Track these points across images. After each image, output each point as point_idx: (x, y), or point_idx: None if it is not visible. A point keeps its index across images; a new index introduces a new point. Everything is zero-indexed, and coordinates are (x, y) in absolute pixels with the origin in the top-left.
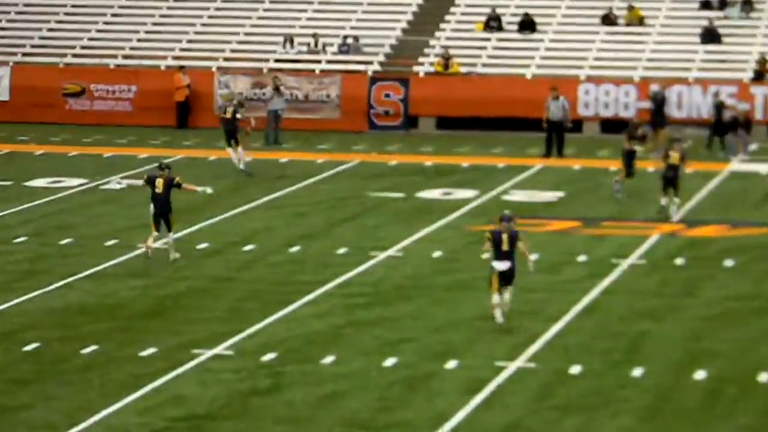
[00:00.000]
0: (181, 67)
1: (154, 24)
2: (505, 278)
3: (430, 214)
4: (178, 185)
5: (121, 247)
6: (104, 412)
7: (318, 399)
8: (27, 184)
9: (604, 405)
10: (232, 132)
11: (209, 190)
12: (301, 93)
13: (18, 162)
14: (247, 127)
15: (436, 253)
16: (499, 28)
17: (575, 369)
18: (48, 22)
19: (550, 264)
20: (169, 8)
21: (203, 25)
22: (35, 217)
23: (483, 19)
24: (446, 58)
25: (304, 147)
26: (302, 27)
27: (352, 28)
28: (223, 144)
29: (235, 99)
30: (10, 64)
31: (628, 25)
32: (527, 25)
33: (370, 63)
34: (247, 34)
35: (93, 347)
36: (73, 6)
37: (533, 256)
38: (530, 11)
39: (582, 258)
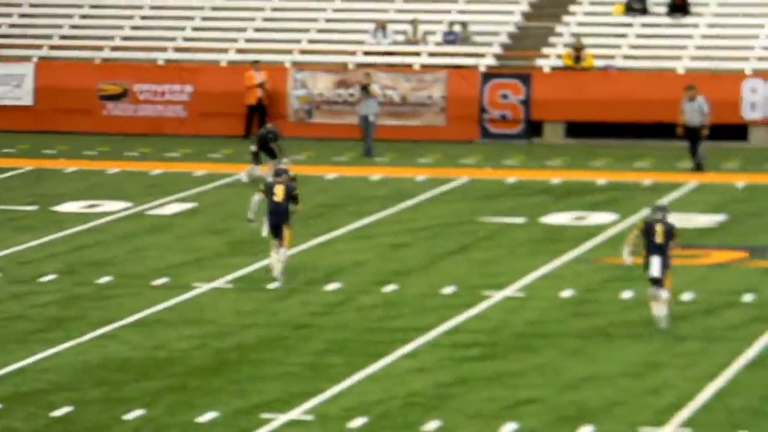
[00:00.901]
0: (255, 62)
1: (213, 9)
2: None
3: (559, 244)
4: (296, 200)
5: (173, 287)
6: None
7: None
8: (55, 209)
9: None
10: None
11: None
12: (397, 94)
13: (45, 182)
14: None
15: (567, 293)
16: (644, 11)
17: None
18: (81, 6)
19: (709, 305)
20: None
21: (274, 9)
22: (66, 250)
23: None
24: (578, 49)
25: (401, 161)
26: (398, 11)
27: (460, 12)
28: (299, 158)
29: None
30: (34, 60)
31: None
32: (679, 6)
33: (483, 56)
34: (328, 20)
35: (139, 412)
36: None
37: (688, 296)
38: None
39: (748, 298)
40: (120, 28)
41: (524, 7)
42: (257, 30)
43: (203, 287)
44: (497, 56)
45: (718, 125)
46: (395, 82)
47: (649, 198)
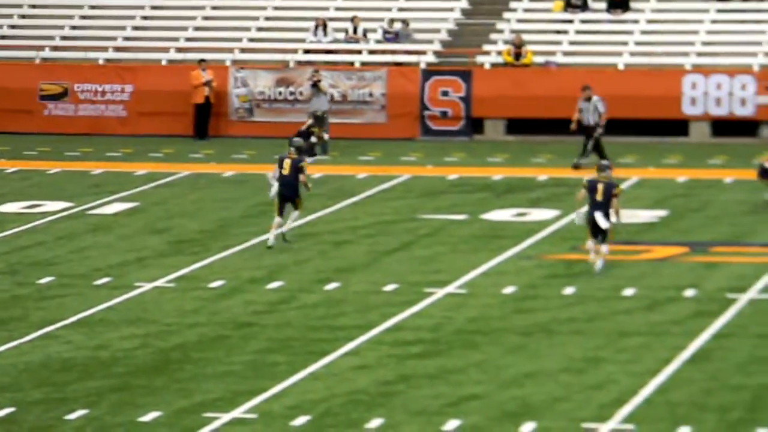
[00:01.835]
0: (202, 61)
1: (153, 8)
2: (599, 231)
3: (501, 241)
4: (302, 170)
5: (115, 286)
6: None
7: None
8: None
9: None
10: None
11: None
12: (338, 92)
13: None
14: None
15: (509, 289)
16: (584, 7)
17: (683, 431)
18: (20, 6)
19: (650, 301)
20: None
21: (214, 8)
22: (7, 250)
23: None
24: (518, 46)
25: (342, 158)
26: (338, 9)
27: (400, 9)
28: (241, 156)
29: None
30: None
31: None
32: (619, 2)
33: (423, 53)
34: (268, 18)
35: (81, 412)
36: None
37: (630, 291)
38: None
39: (689, 293)
40: (60, 27)
41: (464, 4)
42: (198, 29)
43: (145, 286)
44: (438, 53)
45: (658, 120)
46: (336, 80)
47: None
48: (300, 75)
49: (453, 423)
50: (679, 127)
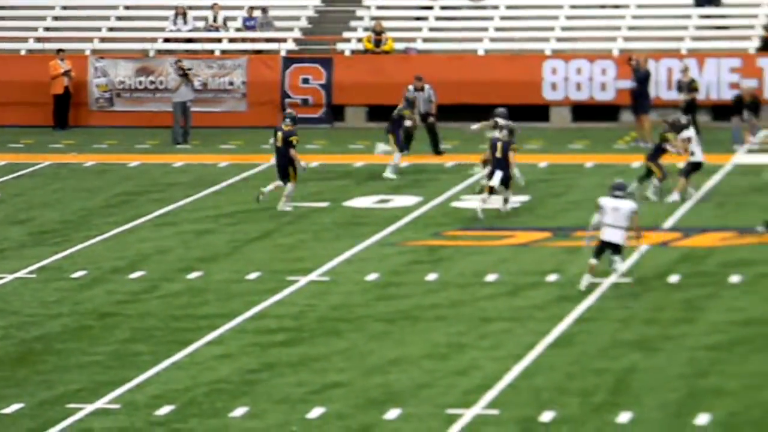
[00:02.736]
0: (60, 51)
1: None
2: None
3: (363, 228)
4: (291, 145)
5: None
6: None
7: None
8: None
9: None
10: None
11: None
12: (198, 80)
13: None
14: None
15: (371, 276)
16: None
17: (547, 416)
18: None
19: (513, 286)
20: None
21: None
22: None
23: None
24: (378, 33)
25: (203, 147)
26: None
27: None
28: (102, 146)
29: None
30: None
31: None
32: None
33: (283, 41)
34: (128, 7)
35: None
36: None
37: (492, 276)
38: None
39: (552, 277)
40: None
41: None
42: (56, 18)
43: (7, 278)
44: (298, 41)
45: (519, 106)
46: (196, 69)
47: (451, 180)
48: (160, 64)
49: (317, 411)
50: (540, 112)
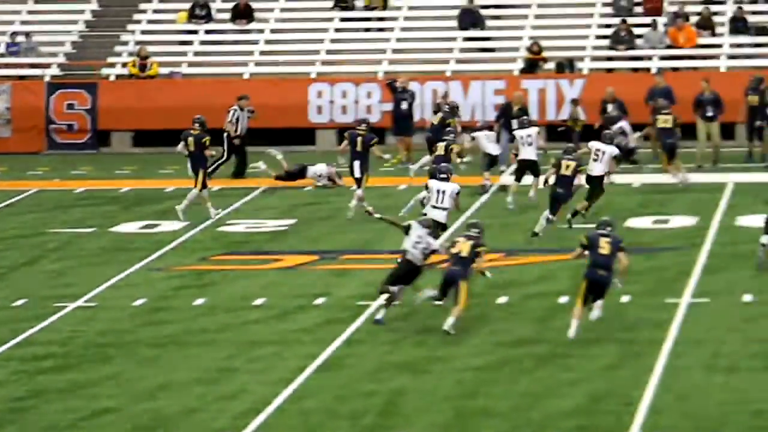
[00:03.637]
0: None
1: None
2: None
3: (130, 253)
4: (205, 146)
5: None
6: None
7: None
8: None
9: None
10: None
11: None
12: None
13: None
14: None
15: (139, 302)
16: (208, 18)
17: None
18: None
19: (281, 309)
20: None
21: None
22: None
23: (187, 6)
24: (143, 58)
25: None
26: None
27: (23, 22)
28: None
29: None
30: None
31: (367, 8)
32: (242, 12)
33: (48, 66)
34: None
35: None
36: None
37: (260, 300)
38: None
39: (319, 301)
40: None
41: (88, 16)
42: None
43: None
44: (62, 66)
45: (285, 129)
46: None
47: (219, 203)
48: None
49: None
50: (306, 135)
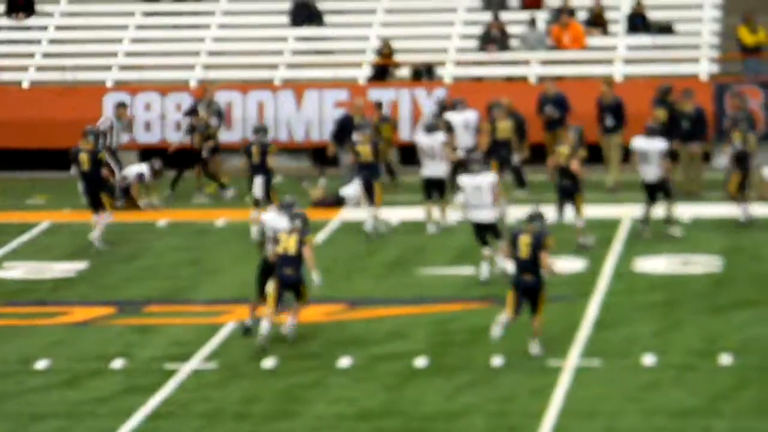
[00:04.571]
0: None
1: None
2: None
3: None
4: (101, 164)
5: None
6: None
7: None
8: None
9: None
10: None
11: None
12: None
13: None
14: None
15: None
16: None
17: None
18: None
19: (70, 375)
20: None
21: None
22: None
23: None
24: None
25: None
26: None
27: None
28: None
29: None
30: None
31: None
32: (20, 4)
33: None
34: None
35: None
36: None
37: (44, 363)
38: None
39: (118, 363)
40: None
41: None
42: None
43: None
44: None
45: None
46: None
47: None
48: None
49: None
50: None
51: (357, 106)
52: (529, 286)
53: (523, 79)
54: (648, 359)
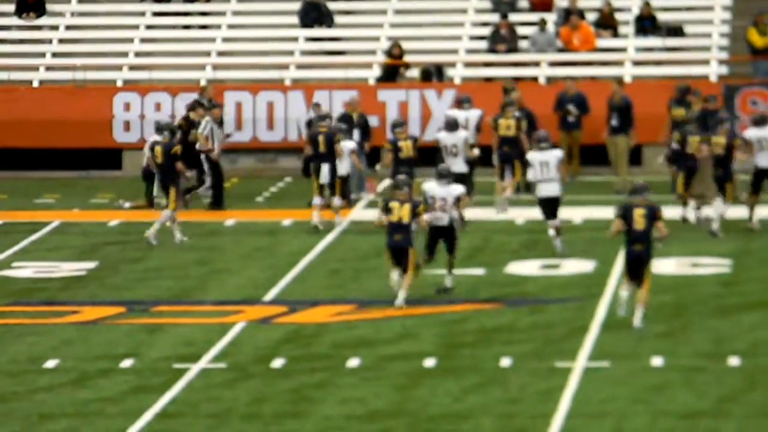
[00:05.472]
0: None
1: None
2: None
3: None
4: (177, 158)
5: None
6: None
7: None
8: None
9: None
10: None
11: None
12: None
13: None
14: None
15: None
16: None
17: None
18: None
19: (79, 374)
20: None
21: None
22: None
23: None
24: None
25: None
26: None
27: None
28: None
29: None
30: None
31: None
32: (30, 4)
33: None
34: None
35: None
36: None
37: (52, 363)
38: None
39: (127, 363)
40: None
41: None
42: None
43: None
44: None
45: (85, 150)
46: None
47: (4, 243)
48: None
49: None
50: (110, 157)
51: (353, 102)
52: (642, 256)
53: (534, 80)
54: (657, 361)
